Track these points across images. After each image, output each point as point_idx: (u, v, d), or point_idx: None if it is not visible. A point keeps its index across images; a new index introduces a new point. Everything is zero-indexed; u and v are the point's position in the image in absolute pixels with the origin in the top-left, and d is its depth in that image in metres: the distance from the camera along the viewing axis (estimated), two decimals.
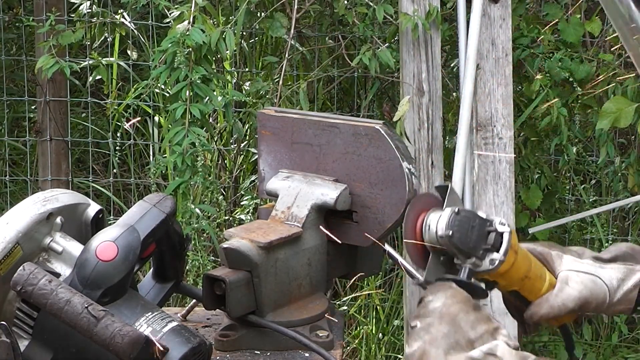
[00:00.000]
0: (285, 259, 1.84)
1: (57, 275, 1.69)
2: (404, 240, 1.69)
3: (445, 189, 1.70)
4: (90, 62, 4.28)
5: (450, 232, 1.63)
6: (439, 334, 1.55)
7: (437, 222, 1.65)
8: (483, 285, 1.71)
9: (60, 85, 4.55)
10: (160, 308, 1.75)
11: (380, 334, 4.36)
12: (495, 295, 3.83)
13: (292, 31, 3.91)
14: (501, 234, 1.65)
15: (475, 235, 1.65)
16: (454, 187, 1.70)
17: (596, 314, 1.75)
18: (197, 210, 3.68)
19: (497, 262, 1.66)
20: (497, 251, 1.65)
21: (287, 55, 3.96)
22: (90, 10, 4.24)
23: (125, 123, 4.86)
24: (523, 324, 1.80)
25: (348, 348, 4.33)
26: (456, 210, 1.65)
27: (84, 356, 1.65)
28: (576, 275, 1.74)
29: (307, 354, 1.83)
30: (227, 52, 3.91)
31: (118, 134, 4.79)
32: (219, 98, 3.68)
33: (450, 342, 1.54)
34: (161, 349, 1.60)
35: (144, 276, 1.97)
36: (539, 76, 3.99)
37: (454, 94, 4.34)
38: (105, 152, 5.02)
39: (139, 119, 4.83)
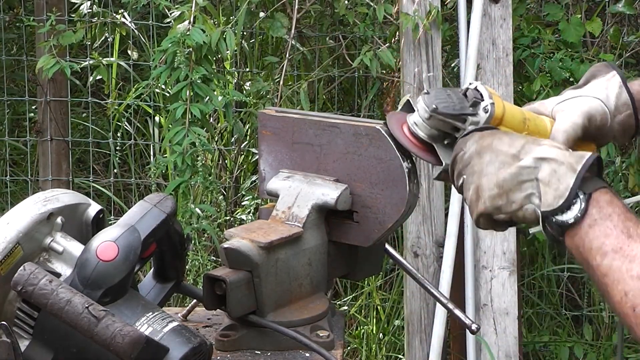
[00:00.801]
0: (285, 259, 1.84)
1: (58, 275, 1.69)
2: (405, 147, 1.71)
3: (408, 103, 1.73)
4: (91, 62, 4.28)
5: (434, 106, 1.64)
6: (482, 165, 1.53)
7: (418, 113, 1.68)
8: None
9: (60, 85, 4.55)
10: (160, 308, 1.75)
11: (381, 334, 4.37)
12: (495, 294, 3.84)
13: (292, 31, 3.91)
14: (475, 87, 1.67)
15: (456, 98, 1.65)
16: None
17: (609, 132, 1.72)
18: (198, 210, 3.69)
19: (489, 106, 1.65)
20: (482, 100, 1.66)
21: (287, 55, 3.97)
22: (90, 10, 4.24)
23: (125, 123, 4.87)
24: None
25: (348, 348, 4.33)
26: (426, 91, 1.67)
27: (85, 356, 1.65)
28: (567, 102, 1.74)
29: (307, 354, 1.83)
30: (228, 52, 3.92)
31: (118, 134, 4.80)
32: (220, 98, 3.69)
33: (495, 166, 1.52)
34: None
35: (145, 276, 1.97)
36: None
37: None
38: (106, 152, 5.02)
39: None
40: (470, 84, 1.69)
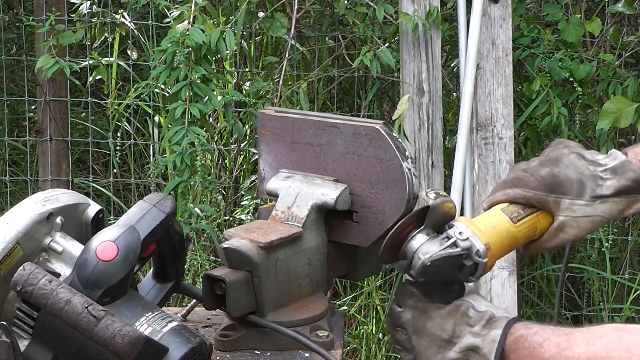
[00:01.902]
0: (285, 259, 1.84)
1: (57, 275, 1.69)
2: (384, 244, 1.70)
3: (426, 211, 1.69)
4: (90, 62, 4.28)
5: (422, 280, 1.67)
6: (421, 347, 1.70)
7: (412, 263, 1.67)
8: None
9: (60, 85, 4.55)
10: (160, 308, 1.74)
11: (381, 334, 4.36)
12: (495, 294, 3.84)
13: (292, 31, 3.91)
14: (475, 256, 1.67)
15: (447, 273, 1.68)
16: (433, 204, 1.69)
17: None
18: (197, 210, 3.68)
19: (476, 279, 1.71)
20: (472, 275, 1.70)
21: (287, 55, 3.97)
22: (90, 10, 4.24)
23: (125, 123, 4.87)
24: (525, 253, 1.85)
25: (348, 348, 4.33)
26: (427, 263, 1.65)
27: (84, 356, 1.65)
28: (573, 221, 1.75)
29: (307, 354, 1.83)
30: (227, 52, 3.91)
31: (118, 134, 4.79)
32: (219, 98, 3.69)
33: (433, 350, 1.69)
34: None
35: (144, 276, 1.97)
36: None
37: (454, 94, 4.35)
38: (106, 152, 5.02)
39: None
40: (465, 238, 1.67)
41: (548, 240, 1.76)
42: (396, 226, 1.68)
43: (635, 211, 1.78)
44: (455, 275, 1.69)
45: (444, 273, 1.67)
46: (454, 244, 1.66)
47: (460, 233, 1.67)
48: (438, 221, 1.69)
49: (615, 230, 4.52)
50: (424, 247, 1.66)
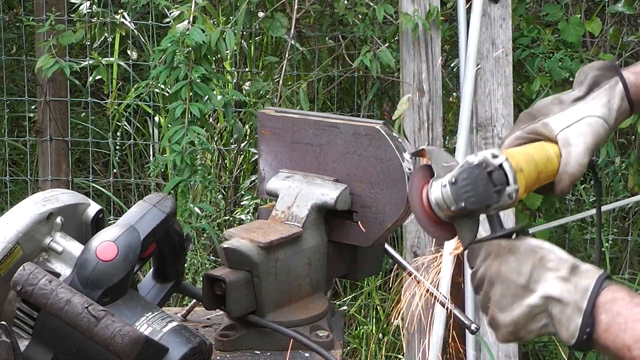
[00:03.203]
0: (285, 258, 1.84)
1: (57, 275, 1.69)
2: (420, 224, 1.66)
3: (423, 152, 1.67)
4: (91, 62, 4.28)
5: (462, 204, 1.61)
6: (496, 296, 1.59)
7: (443, 198, 1.62)
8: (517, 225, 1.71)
9: (60, 85, 4.55)
10: (160, 308, 1.75)
11: (380, 334, 4.36)
12: None
13: (292, 31, 3.91)
14: (501, 166, 1.62)
15: (482, 188, 1.61)
16: (429, 148, 1.67)
17: None
18: (197, 209, 3.69)
19: (514, 193, 1.62)
20: (508, 184, 1.62)
21: (287, 55, 3.97)
22: (90, 10, 4.24)
23: (125, 123, 4.87)
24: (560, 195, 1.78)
25: (348, 348, 4.33)
26: (453, 180, 1.61)
27: (84, 356, 1.65)
28: (572, 130, 1.73)
29: (307, 354, 1.83)
30: (227, 51, 3.91)
31: (118, 134, 4.79)
32: (219, 98, 3.69)
33: (508, 299, 1.58)
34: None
35: (144, 276, 1.97)
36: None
37: (454, 94, 4.34)
38: (106, 152, 5.02)
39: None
40: (493, 155, 1.63)
41: (567, 163, 1.72)
42: (411, 200, 1.64)
43: (619, 97, 1.75)
44: (490, 193, 1.61)
45: (476, 190, 1.60)
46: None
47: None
48: (444, 159, 1.66)
49: (615, 230, 4.52)
50: (446, 179, 1.62)
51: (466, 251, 1.67)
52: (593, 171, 1.85)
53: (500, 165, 1.62)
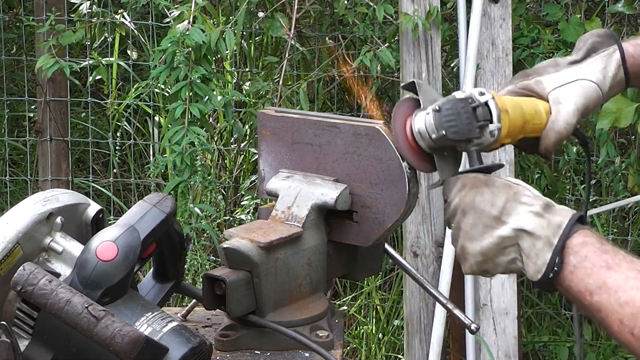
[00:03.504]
0: (285, 259, 1.84)
1: (57, 275, 1.69)
2: (402, 154, 1.69)
3: (413, 86, 1.68)
4: (90, 62, 4.29)
5: (443, 132, 1.62)
6: (467, 226, 1.59)
7: (425, 126, 1.64)
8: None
9: (60, 85, 4.55)
10: (160, 308, 1.75)
11: (380, 334, 4.37)
12: (495, 294, 3.84)
13: (292, 31, 3.91)
14: (486, 103, 1.63)
15: (465, 119, 1.62)
16: (419, 81, 1.68)
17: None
18: (197, 209, 3.69)
19: (496, 131, 1.64)
20: (491, 122, 1.64)
21: (287, 55, 3.97)
22: (90, 10, 4.24)
23: (125, 123, 4.87)
24: (544, 156, 1.78)
25: (348, 348, 4.33)
26: (436, 107, 1.63)
27: (85, 356, 1.65)
28: (564, 90, 1.74)
29: (307, 354, 1.83)
30: (227, 52, 3.91)
31: (118, 134, 4.79)
32: (219, 98, 3.69)
33: (479, 229, 1.58)
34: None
35: (144, 276, 1.97)
36: None
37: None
38: (106, 152, 5.02)
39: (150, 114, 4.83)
40: (480, 93, 1.64)
41: (555, 120, 1.72)
42: (394, 128, 1.67)
43: (616, 65, 1.75)
44: (472, 126, 1.62)
45: (459, 121, 1.61)
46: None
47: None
48: (432, 94, 1.67)
49: (615, 230, 4.53)
50: (430, 108, 1.64)
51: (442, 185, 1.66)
52: (581, 137, 1.84)
53: (486, 103, 1.64)
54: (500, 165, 1.69)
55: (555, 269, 1.51)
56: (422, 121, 1.66)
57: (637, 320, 1.43)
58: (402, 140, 1.70)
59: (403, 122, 1.70)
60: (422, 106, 1.67)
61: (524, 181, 1.65)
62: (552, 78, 1.77)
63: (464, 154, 1.69)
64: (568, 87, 1.74)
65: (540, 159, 4.28)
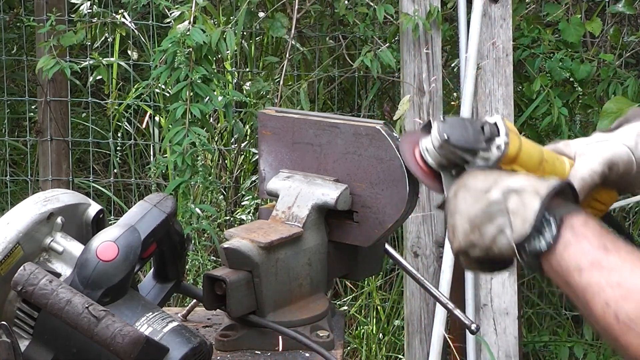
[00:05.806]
0: (285, 259, 1.84)
1: (58, 275, 1.69)
2: (417, 175, 1.66)
3: (429, 124, 1.66)
4: (91, 62, 4.29)
5: (446, 136, 1.59)
6: (457, 204, 1.53)
7: (430, 138, 1.62)
8: None
9: (60, 85, 4.55)
10: (160, 308, 1.75)
11: (381, 334, 4.37)
12: (495, 294, 3.84)
13: (292, 31, 3.91)
14: (494, 123, 1.61)
15: (472, 131, 1.60)
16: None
17: (633, 181, 1.70)
18: (197, 210, 3.69)
19: (503, 145, 1.60)
20: (498, 135, 1.60)
21: (287, 55, 3.97)
22: (90, 11, 4.24)
23: (125, 123, 4.87)
24: None
25: (348, 348, 4.33)
26: (441, 118, 1.61)
27: (85, 356, 1.66)
28: (591, 146, 1.68)
29: (307, 354, 1.83)
30: (228, 52, 3.92)
31: (119, 134, 4.80)
32: (220, 98, 3.69)
33: (468, 202, 1.52)
34: None
35: (145, 276, 1.97)
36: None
37: (455, 94, 4.35)
38: (106, 152, 5.03)
39: (149, 114, 4.83)
40: (491, 116, 1.63)
41: (579, 167, 1.65)
42: (402, 150, 1.66)
43: None
44: (478, 138, 1.59)
45: (464, 131, 1.59)
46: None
47: None
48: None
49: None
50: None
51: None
52: (617, 226, 1.78)
53: (495, 123, 1.62)
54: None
55: (551, 241, 1.45)
56: (429, 138, 1.63)
57: (625, 303, 1.37)
58: (411, 159, 1.66)
59: (412, 147, 1.67)
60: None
61: None
62: (580, 141, 1.71)
63: None
64: (596, 145, 1.69)
65: None
